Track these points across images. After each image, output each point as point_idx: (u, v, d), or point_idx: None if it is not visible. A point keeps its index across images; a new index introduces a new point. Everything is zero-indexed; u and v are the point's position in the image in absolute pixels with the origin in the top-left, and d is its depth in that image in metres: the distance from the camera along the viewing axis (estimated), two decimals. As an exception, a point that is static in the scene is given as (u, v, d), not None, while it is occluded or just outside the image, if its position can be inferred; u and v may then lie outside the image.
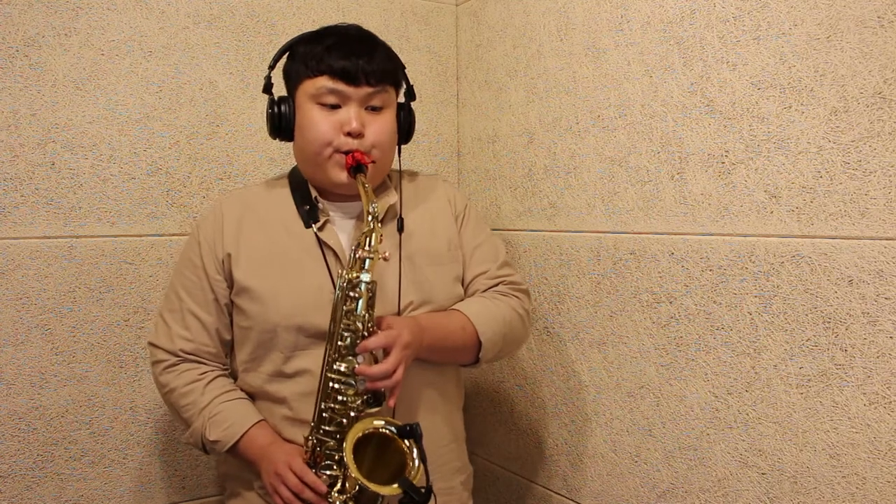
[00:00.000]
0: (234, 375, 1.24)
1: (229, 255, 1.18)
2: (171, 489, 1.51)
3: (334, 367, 1.07)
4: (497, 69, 1.68)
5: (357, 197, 1.18)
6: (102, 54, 1.42)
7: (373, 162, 1.15)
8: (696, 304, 1.21)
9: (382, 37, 1.69)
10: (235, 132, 1.55)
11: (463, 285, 1.28)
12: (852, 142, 0.99)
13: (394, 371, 1.06)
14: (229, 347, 1.24)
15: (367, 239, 1.06)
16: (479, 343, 1.21)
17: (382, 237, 1.08)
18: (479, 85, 1.75)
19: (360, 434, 1.06)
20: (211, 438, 1.15)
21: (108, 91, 1.42)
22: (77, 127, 1.40)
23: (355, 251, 1.07)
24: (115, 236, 1.44)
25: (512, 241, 1.65)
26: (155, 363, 1.23)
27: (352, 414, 1.07)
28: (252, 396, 1.21)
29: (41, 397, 1.38)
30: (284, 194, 1.24)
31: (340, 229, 1.21)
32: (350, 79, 1.13)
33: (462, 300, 1.26)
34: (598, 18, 1.38)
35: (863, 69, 0.97)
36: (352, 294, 1.06)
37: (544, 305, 1.55)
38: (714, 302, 1.18)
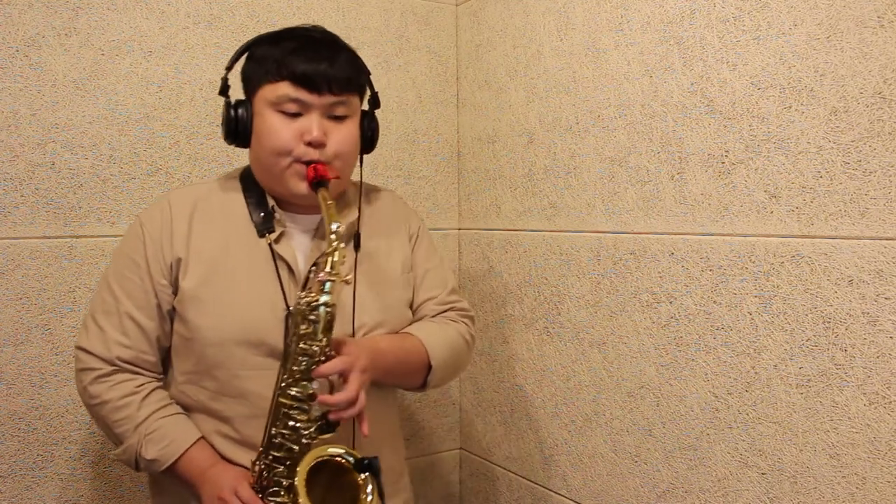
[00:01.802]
0: (166, 384, 1.16)
1: (179, 260, 1.10)
2: (171, 489, 1.51)
3: (288, 391, 1.01)
4: (497, 69, 1.68)
5: (315, 210, 1.14)
6: (102, 54, 1.42)
7: (337, 177, 1.10)
8: (696, 304, 1.21)
9: (383, 37, 1.71)
10: (235, 132, 1.55)
11: (412, 308, 1.26)
12: (852, 142, 0.99)
13: (356, 398, 1.01)
14: (166, 355, 1.16)
15: (329, 259, 1.01)
16: (430, 367, 1.19)
17: (346, 258, 1.03)
18: (479, 85, 1.75)
19: (315, 461, 1.01)
20: (148, 457, 1.06)
21: (108, 91, 1.42)
22: (77, 127, 1.40)
23: (315, 272, 1.02)
24: (115, 236, 1.44)
25: (512, 241, 1.65)
26: (84, 370, 1.11)
27: (304, 441, 1.02)
28: (188, 408, 1.13)
29: (41, 397, 1.38)
30: (237, 197, 1.17)
31: (296, 243, 1.15)
32: (312, 86, 1.07)
33: (412, 323, 1.24)
34: (598, 18, 1.38)
35: (863, 69, 0.97)
36: (310, 317, 1.01)
37: (544, 305, 1.55)
38: (714, 302, 1.18)
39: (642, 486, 1.33)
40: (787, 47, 1.06)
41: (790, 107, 1.06)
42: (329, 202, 1.04)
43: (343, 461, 1.03)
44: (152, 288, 1.11)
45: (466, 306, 1.32)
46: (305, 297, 1.02)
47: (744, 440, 1.14)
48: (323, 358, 1.01)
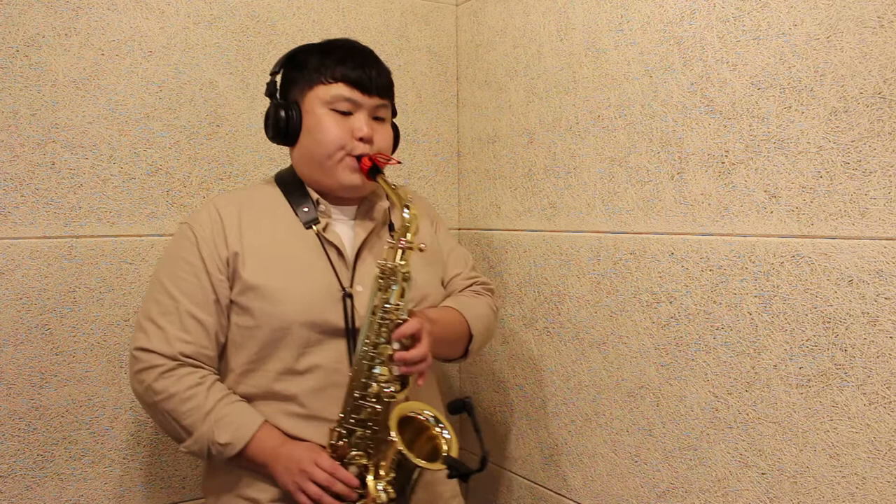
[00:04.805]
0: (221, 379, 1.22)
1: (236, 254, 1.18)
2: (171, 489, 1.51)
3: (369, 354, 1.11)
4: (497, 69, 1.68)
5: (354, 201, 1.27)
6: (102, 54, 1.42)
7: (391, 161, 1.22)
8: (696, 304, 1.21)
9: (383, 37, 1.72)
10: (235, 132, 1.55)
11: (443, 284, 1.37)
12: (852, 142, 0.99)
13: (427, 354, 1.11)
14: (220, 352, 1.21)
15: (406, 231, 1.13)
16: (470, 336, 1.29)
17: (419, 229, 1.15)
18: (479, 85, 1.75)
19: (403, 415, 1.11)
20: (221, 441, 1.12)
21: (108, 91, 1.42)
22: (77, 127, 1.40)
23: (395, 241, 1.12)
24: (115, 236, 1.44)
25: (512, 241, 1.65)
26: (146, 369, 1.15)
27: (385, 399, 1.11)
28: (249, 400, 1.19)
29: (41, 397, 1.38)
30: (277, 197, 1.26)
31: (340, 230, 1.25)
32: (364, 88, 1.20)
33: (445, 298, 1.34)
34: (598, 18, 1.38)
35: (863, 69, 0.97)
36: (390, 280, 1.11)
37: (544, 305, 1.55)
38: (714, 302, 1.18)
39: (642, 486, 1.33)
40: (787, 47, 1.06)
41: (790, 107, 1.06)
42: (393, 185, 1.16)
43: (423, 418, 1.14)
44: (210, 284, 1.17)
45: (487, 280, 1.45)
46: (386, 262, 1.12)
47: (744, 440, 1.14)
48: (400, 321, 1.11)
